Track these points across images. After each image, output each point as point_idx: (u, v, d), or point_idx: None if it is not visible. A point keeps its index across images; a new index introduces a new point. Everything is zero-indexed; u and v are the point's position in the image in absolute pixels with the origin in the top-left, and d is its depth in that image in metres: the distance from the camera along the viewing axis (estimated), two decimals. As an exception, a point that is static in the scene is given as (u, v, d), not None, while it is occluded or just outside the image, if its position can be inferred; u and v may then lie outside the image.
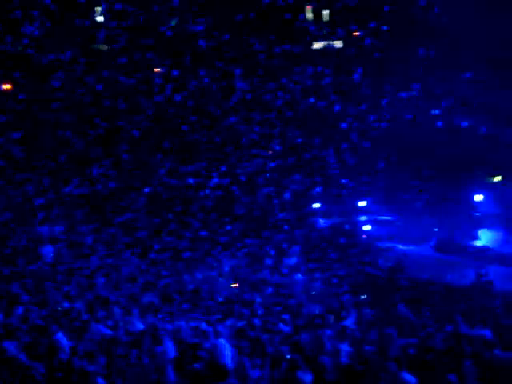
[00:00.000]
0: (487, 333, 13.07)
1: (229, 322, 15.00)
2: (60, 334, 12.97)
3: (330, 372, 11.69)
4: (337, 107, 25.30)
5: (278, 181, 25.48)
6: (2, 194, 23.31)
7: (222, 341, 13.03)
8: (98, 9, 24.41)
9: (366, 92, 25.36)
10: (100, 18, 24.41)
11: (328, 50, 25.44)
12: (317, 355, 11.93)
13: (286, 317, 15.31)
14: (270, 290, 18.24)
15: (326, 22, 26.43)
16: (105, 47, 24.54)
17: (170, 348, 12.85)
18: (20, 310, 15.18)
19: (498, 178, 29.16)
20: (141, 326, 14.55)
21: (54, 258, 21.49)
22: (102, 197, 23.56)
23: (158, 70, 24.43)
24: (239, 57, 24.60)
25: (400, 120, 25.71)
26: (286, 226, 24.77)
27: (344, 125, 25.51)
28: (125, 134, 24.25)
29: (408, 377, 11.15)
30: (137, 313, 15.74)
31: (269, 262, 21.95)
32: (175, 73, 24.13)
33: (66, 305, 16.03)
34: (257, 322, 15.25)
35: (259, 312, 15.93)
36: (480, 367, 11.69)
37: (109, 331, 13.99)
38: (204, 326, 14.57)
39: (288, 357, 11.54)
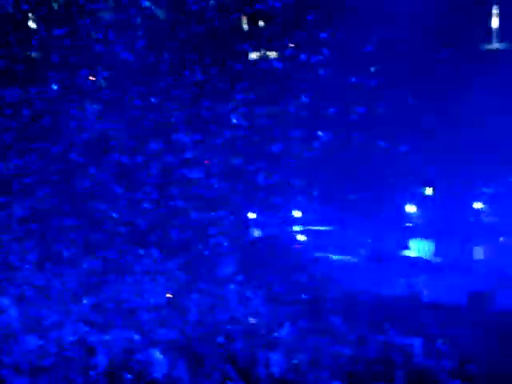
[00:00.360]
0: (416, 342, 13.35)
1: (162, 333, 14.86)
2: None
3: (262, 383, 11.74)
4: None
5: (212, 189, 25.37)
6: None
7: (155, 352, 12.95)
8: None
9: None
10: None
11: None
12: (250, 366, 11.95)
13: (219, 327, 15.27)
14: (203, 300, 18.15)
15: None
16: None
17: (101, 360, 12.71)
18: None
19: (429, 191, 29.72)
20: (71, 338, 14.34)
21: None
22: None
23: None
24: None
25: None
26: (219, 237, 24.71)
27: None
28: None
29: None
30: (68, 324, 15.53)
31: (202, 271, 21.85)
32: None
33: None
34: (190, 332, 15.21)
35: (193, 322, 15.86)
36: (409, 376, 11.92)
37: (37, 343, 13.76)
38: (136, 336, 14.44)
39: (221, 367, 11.53)
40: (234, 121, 23.92)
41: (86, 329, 15.26)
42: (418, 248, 26.44)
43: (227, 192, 24.90)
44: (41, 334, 14.56)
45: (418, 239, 27.18)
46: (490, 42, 26.10)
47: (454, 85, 24.55)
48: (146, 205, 23.08)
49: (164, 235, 23.64)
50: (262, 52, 24.24)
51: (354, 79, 24.08)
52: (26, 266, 20.89)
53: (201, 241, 24.21)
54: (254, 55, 24.41)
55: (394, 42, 23.82)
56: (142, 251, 22.87)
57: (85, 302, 17.78)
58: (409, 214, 29.28)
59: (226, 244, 24.26)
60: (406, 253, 26.25)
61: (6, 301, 17.39)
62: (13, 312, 16.03)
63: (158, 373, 11.84)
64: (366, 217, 27.69)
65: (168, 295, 19.13)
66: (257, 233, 28.52)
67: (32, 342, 13.81)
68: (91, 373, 12.20)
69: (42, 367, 12.66)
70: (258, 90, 23.81)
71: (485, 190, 27.77)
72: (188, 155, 23.60)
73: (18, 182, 21.79)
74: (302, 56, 23.84)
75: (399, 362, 12.56)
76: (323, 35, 23.87)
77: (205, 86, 23.43)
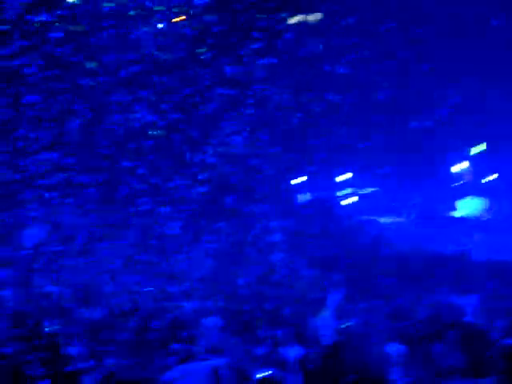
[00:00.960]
0: (469, 300, 13.20)
1: (212, 301, 14.93)
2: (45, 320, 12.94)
3: (316, 346, 11.74)
4: None
5: (256, 156, 25.31)
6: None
7: (207, 319, 13.06)
8: None
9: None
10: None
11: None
12: (302, 330, 11.95)
13: (269, 293, 15.29)
14: (251, 267, 18.20)
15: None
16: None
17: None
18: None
19: (477, 149, 29.27)
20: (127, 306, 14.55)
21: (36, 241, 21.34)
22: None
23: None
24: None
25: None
26: (266, 203, 24.71)
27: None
28: None
29: (394, 348, 11.22)
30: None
31: (249, 239, 21.90)
32: None
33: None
34: (241, 298, 15.26)
35: (243, 289, 15.91)
36: (463, 336, 11.78)
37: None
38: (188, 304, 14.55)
39: (275, 332, 11.52)
40: None
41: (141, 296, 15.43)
42: (467, 206, 26.09)
43: (274, 157, 24.87)
44: (98, 304, 14.79)
45: (468, 197, 26.83)
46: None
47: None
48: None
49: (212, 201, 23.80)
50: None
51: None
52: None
53: (247, 207, 24.27)
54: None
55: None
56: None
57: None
58: (458, 173, 28.90)
59: (272, 209, 24.29)
60: (456, 212, 25.94)
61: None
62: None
63: (209, 340, 11.88)
64: (413, 177, 27.44)
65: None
66: (303, 198, 28.47)
67: (89, 311, 14.04)
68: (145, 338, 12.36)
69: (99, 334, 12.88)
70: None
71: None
72: None
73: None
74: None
75: (452, 322, 12.41)
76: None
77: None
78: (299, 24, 24.83)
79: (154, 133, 23.08)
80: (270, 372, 9.67)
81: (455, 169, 28.67)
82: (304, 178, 27.38)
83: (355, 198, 28.84)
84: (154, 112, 23.08)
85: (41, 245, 20.40)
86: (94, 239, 21.00)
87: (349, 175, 29.29)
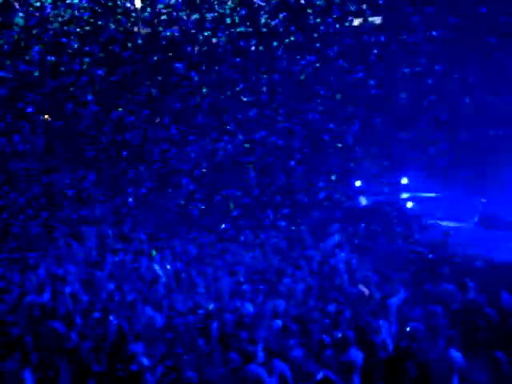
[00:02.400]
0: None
1: (271, 303, 14.94)
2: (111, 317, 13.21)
3: (379, 350, 11.68)
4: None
5: (317, 159, 25.37)
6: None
7: (266, 321, 13.14)
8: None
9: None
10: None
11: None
12: (365, 334, 11.90)
13: (330, 295, 15.25)
14: (312, 267, 18.15)
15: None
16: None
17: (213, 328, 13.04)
18: (67, 291, 15.44)
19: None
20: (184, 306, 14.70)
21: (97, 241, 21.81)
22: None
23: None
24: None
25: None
26: (327, 204, 24.73)
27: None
28: None
29: (456, 354, 11.12)
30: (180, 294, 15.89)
31: (310, 240, 21.90)
32: None
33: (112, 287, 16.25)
34: (300, 300, 15.25)
35: (300, 292, 15.88)
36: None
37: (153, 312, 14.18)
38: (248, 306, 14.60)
39: (339, 335, 11.51)
40: None
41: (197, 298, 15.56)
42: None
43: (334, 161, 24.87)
44: (156, 304, 14.98)
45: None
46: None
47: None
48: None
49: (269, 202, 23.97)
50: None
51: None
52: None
53: (308, 209, 24.34)
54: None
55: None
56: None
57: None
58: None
59: (333, 212, 24.28)
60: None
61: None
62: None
63: (269, 342, 11.93)
64: (476, 182, 27.04)
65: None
66: (364, 201, 28.36)
67: (149, 311, 14.25)
68: (203, 340, 12.48)
69: (158, 334, 13.08)
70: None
71: None
72: None
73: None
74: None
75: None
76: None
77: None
78: None
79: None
80: (331, 374, 9.71)
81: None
82: (364, 181, 27.31)
83: (416, 202, 28.60)
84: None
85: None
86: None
87: (408, 179, 29.08)
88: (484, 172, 26.77)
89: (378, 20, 25.52)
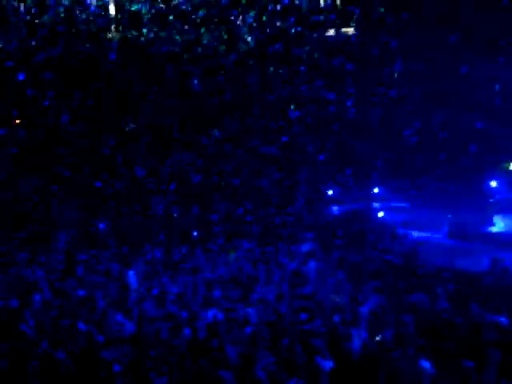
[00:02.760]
0: (503, 319, 13.09)
1: (242, 309, 14.93)
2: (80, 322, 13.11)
3: (348, 358, 11.74)
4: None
5: (290, 169, 25.47)
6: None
7: (236, 328, 13.12)
8: None
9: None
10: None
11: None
12: (334, 342, 11.95)
13: (301, 304, 15.28)
14: (284, 276, 18.20)
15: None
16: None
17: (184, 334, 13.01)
18: (38, 298, 15.30)
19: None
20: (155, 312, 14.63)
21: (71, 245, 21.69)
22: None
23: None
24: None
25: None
26: (300, 213, 24.82)
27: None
28: None
29: (425, 364, 11.19)
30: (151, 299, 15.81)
31: (283, 248, 21.96)
32: None
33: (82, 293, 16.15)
34: (271, 308, 15.25)
35: (273, 299, 15.90)
36: (497, 353, 11.72)
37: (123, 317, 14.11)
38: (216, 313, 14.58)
39: (307, 343, 11.54)
40: None
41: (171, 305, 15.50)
42: (503, 223, 25.86)
43: (306, 171, 24.97)
44: (127, 309, 14.91)
45: (503, 215, 26.62)
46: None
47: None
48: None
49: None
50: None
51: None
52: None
53: (279, 217, 24.39)
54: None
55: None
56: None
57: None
58: (493, 189, 28.72)
59: (305, 220, 24.38)
60: (491, 229, 25.74)
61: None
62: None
63: (238, 349, 11.93)
64: (446, 193, 27.34)
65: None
66: (336, 209, 28.56)
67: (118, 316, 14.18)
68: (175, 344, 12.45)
69: (128, 339, 13.00)
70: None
71: None
72: None
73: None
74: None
75: (487, 339, 12.36)
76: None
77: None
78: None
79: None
80: (300, 382, 9.74)
81: (491, 184, 28.51)
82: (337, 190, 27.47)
83: (387, 212, 28.86)
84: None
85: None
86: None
87: (380, 189, 29.35)
88: (452, 185, 27.14)
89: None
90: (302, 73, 24.42)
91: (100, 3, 24.07)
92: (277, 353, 12.14)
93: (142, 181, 24.46)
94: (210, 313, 14.48)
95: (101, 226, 23.93)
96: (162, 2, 24.24)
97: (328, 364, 11.03)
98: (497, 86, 25.17)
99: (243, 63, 24.11)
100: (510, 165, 29.03)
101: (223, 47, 24.34)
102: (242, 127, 24.67)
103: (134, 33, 23.93)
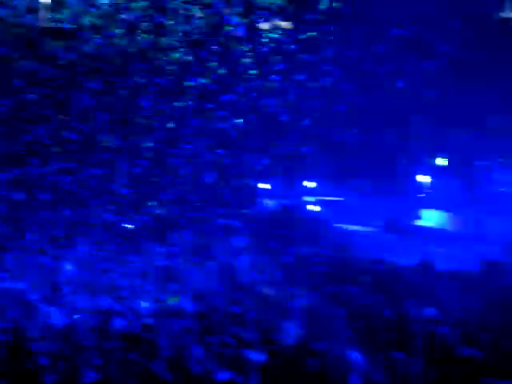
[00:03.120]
0: (432, 311, 13.38)
1: (175, 302, 14.89)
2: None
3: (279, 351, 11.82)
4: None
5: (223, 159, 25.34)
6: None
7: (170, 321, 13.07)
8: None
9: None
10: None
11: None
12: (266, 334, 12.01)
13: (234, 297, 15.29)
14: (217, 269, 18.20)
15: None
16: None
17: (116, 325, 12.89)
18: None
19: (442, 161, 29.69)
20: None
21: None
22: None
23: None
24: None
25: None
26: (232, 207, 24.80)
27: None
28: None
29: (354, 355, 11.34)
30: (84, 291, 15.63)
31: (216, 242, 21.92)
32: None
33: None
34: (204, 300, 15.22)
35: (208, 291, 15.89)
36: (425, 344, 11.97)
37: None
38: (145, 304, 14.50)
39: (239, 335, 11.55)
40: None
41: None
42: (431, 217, 26.42)
43: (240, 164, 24.90)
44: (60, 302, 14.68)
45: (432, 209, 27.18)
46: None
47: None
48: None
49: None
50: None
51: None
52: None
53: (214, 211, 24.32)
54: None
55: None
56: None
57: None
58: (423, 185, 29.29)
59: (239, 214, 24.36)
60: (421, 223, 26.24)
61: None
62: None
63: (164, 341, 11.87)
64: (379, 188, 27.72)
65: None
66: (270, 203, 28.63)
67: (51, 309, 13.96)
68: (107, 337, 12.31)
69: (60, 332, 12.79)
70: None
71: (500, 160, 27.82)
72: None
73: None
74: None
75: (414, 331, 12.60)
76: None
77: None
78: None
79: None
80: (232, 374, 9.75)
81: (420, 180, 29.09)
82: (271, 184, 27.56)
83: (321, 206, 29.11)
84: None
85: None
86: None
87: (315, 184, 29.56)
88: (387, 179, 27.54)
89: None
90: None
91: None
92: (208, 345, 12.16)
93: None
94: (143, 305, 14.40)
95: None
96: None
97: (259, 357, 11.06)
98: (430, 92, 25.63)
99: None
100: (437, 160, 29.66)
101: None
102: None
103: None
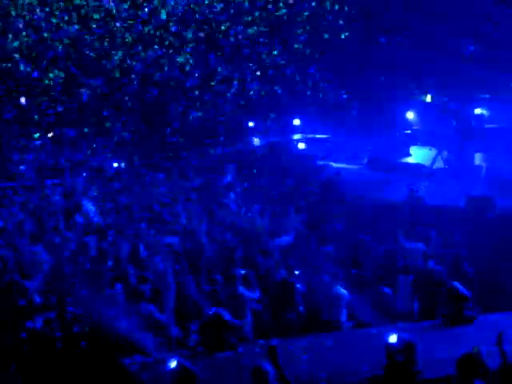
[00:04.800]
0: (420, 246, 13.53)
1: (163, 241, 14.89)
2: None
3: (269, 288, 12.00)
4: None
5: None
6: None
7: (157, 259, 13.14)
8: None
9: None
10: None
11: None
12: (255, 272, 12.13)
13: (225, 237, 15.34)
14: (205, 207, 18.21)
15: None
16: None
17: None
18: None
19: (428, 97, 29.61)
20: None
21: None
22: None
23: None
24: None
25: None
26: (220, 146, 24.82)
27: None
28: None
29: (341, 290, 11.50)
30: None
31: (203, 180, 21.90)
32: None
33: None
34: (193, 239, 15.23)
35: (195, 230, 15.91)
36: (413, 279, 12.15)
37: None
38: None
39: (242, 272, 11.63)
40: None
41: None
42: (418, 154, 26.43)
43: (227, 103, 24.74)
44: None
45: (419, 146, 27.18)
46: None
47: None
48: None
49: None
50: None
51: None
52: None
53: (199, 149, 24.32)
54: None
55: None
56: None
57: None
58: (409, 121, 29.25)
59: (226, 152, 24.35)
60: (407, 158, 26.26)
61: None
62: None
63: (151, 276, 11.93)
64: (365, 124, 27.67)
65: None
66: (257, 141, 28.57)
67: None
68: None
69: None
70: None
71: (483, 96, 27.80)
72: None
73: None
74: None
75: (401, 266, 12.77)
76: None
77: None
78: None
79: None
80: (222, 310, 9.86)
81: (408, 115, 29.04)
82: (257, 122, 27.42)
83: (307, 143, 29.08)
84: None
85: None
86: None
87: (299, 120, 29.43)
88: (372, 115, 27.50)
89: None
90: None
91: None
92: (198, 283, 12.28)
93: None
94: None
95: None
96: None
97: (253, 294, 11.22)
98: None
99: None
100: (426, 97, 29.55)
101: None
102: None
103: None
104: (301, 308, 11.74)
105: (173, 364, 7.12)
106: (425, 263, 12.27)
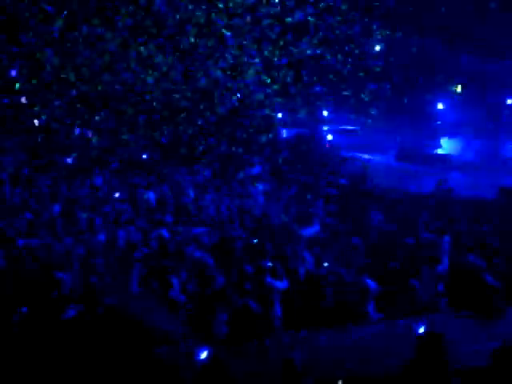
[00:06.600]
0: (447, 239, 13.48)
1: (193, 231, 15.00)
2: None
3: (298, 279, 12.00)
4: None
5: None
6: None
7: (189, 249, 13.23)
8: None
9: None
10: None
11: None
12: (283, 264, 12.15)
13: (249, 227, 15.41)
14: (232, 200, 18.27)
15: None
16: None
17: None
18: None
19: (458, 87, 29.37)
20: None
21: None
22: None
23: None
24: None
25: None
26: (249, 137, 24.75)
27: None
28: None
29: (369, 282, 11.50)
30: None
31: (231, 172, 21.96)
32: None
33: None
34: (222, 230, 15.32)
35: (224, 221, 16.00)
36: (439, 273, 12.12)
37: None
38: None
39: (268, 264, 11.66)
40: None
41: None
42: (448, 146, 26.30)
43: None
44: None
45: (448, 137, 27.04)
46: None
47: None
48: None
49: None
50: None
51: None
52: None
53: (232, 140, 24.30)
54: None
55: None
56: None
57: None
58: (439, 112, 29.06)
59: (254, 142, 24.28)
60: (437, 150, 26.13)
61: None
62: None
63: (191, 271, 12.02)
64: (394, 116, 27.55)
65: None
66: (284, 132, 28.56)
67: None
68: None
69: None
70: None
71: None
72: None
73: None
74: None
75: (428, 259, 12.73)
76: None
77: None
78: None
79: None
80: (251, 302, 9.91)
81: (437, 107, 28.85)
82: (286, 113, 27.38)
83: (338, 135, 29.03)
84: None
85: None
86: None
87: (328, 112, 29.37)
88: (401, 108, 27.38)
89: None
90: None
91: None
92: (227, 274, 12.34)
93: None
94: (163, 232, 14.52)
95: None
96: None
97: (281, 284, 11.24)
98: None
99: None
100: (457, 87, 29.32)
101: None
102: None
103: None
104: (329, 299, 11.76)
105: (203, 354, 7.20)
106: (464, 256, 12.19)
